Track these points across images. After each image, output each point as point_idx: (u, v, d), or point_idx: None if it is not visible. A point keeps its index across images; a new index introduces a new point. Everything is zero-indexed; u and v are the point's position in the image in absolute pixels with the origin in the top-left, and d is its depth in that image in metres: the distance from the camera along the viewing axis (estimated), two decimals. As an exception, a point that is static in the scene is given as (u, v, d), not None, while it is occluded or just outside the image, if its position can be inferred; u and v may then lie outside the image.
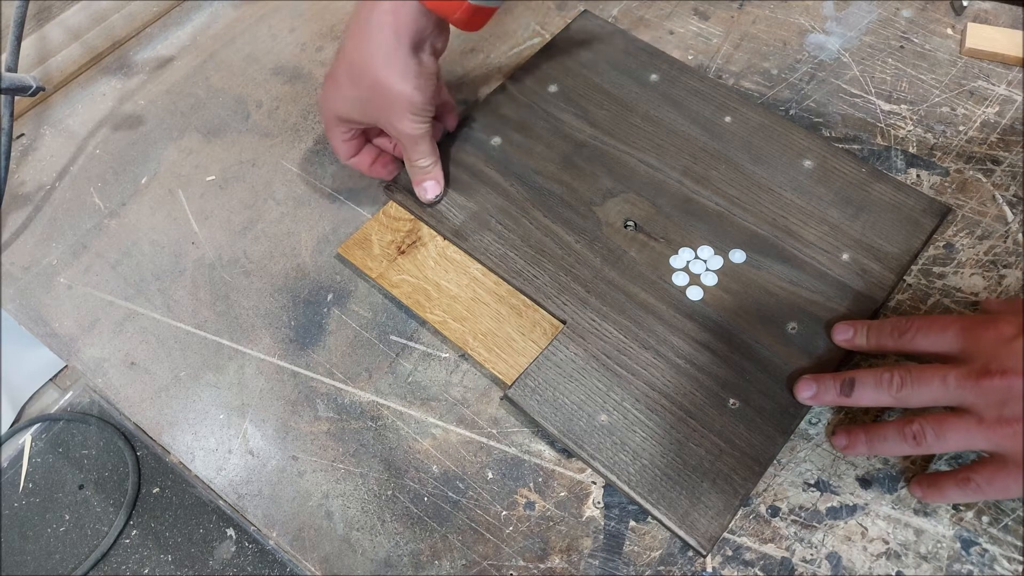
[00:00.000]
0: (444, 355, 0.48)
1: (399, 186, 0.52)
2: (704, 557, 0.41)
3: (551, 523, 0.43)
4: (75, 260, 0.54)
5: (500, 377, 0.46)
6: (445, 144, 0.54)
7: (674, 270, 0.48)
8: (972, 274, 0.48)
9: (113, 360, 0.50)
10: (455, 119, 0.54)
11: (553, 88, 0.56)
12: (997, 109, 0.54)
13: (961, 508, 0.41)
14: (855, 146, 0.54)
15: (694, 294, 0.47)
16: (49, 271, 0.53)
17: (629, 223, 0.50)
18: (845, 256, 0.48)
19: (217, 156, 0.57)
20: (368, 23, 0.45)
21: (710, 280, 0.48)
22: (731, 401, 0.44)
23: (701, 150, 0.52)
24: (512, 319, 0.48)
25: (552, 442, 0.45)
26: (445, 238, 0.51)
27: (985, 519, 0.41)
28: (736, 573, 0.41)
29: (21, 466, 1.11)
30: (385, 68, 0.45)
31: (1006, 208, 0.50)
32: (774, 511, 0.42)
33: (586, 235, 0.50)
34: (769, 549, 0.41)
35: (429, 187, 0.51)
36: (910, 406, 0.42)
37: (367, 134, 0.52)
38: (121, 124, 0.60)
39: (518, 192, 0.52)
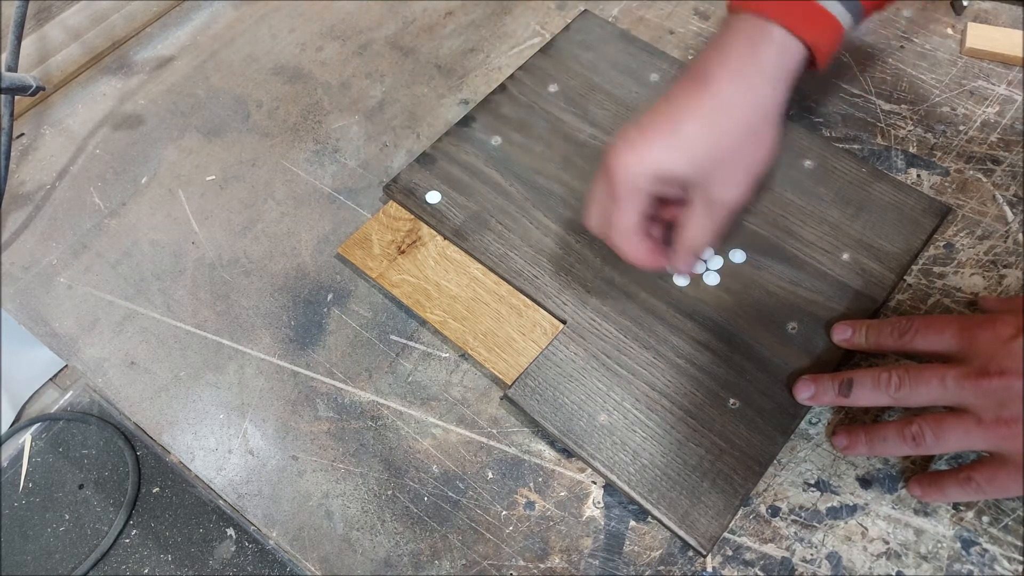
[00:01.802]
0: (444, 355, 0.48)
1: (399, 186, 0.52)
2: (704, 557, 0.41)
3: (551, 523, 0.43)
4: (75, 260, 0.54)
5: (500, 377, 0.46)
6: (446, 144, 0.54)
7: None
8: (972, 274, 0.48)
9: (113, 360, 0.50)
10: None
11: (553, 88, 0.56)
12: (997, 109, 0.54)
13: (961, 508, 0.41)
14: (855, 146, 0.54)
15: (694, 293, 0.47)
16: (49, 271, 0.53)
17: (629, 223, 0.50)
18: (845, 256, 0.48)
19: (217, 156, 0.57)
20: (752, 64, 0.39)
21: (710, 280, 0.48)
22: (731, 401, 0.44)
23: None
24: (512, 319, 0.48)
25: (552, 442, 0.45)
26: (445, 238, 0.51)
27: (985, 519, 0.41)
28: (736, 573, 0.41)
29: (21, 466, 1.11)
30: (765, 123, 0.40)
31: (1006, 208, 0.50)
32: (774, 511, 0.42)
33: (586, 235, 0.50)
34: (769, 549, 0.41)
35: (695, 264, 0.46)
36: (909, 406, 0.42)
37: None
38: (121, 124, 0.60)
39: (518, 192, 0.52)
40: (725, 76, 0.40)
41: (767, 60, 0.40)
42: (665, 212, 0.44)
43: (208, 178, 0.56)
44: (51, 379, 1.18)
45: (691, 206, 0.42)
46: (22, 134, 0.60)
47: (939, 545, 0.41)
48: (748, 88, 0.40)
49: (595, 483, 0.44)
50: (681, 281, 0.48)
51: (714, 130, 0.40)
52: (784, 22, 0.40)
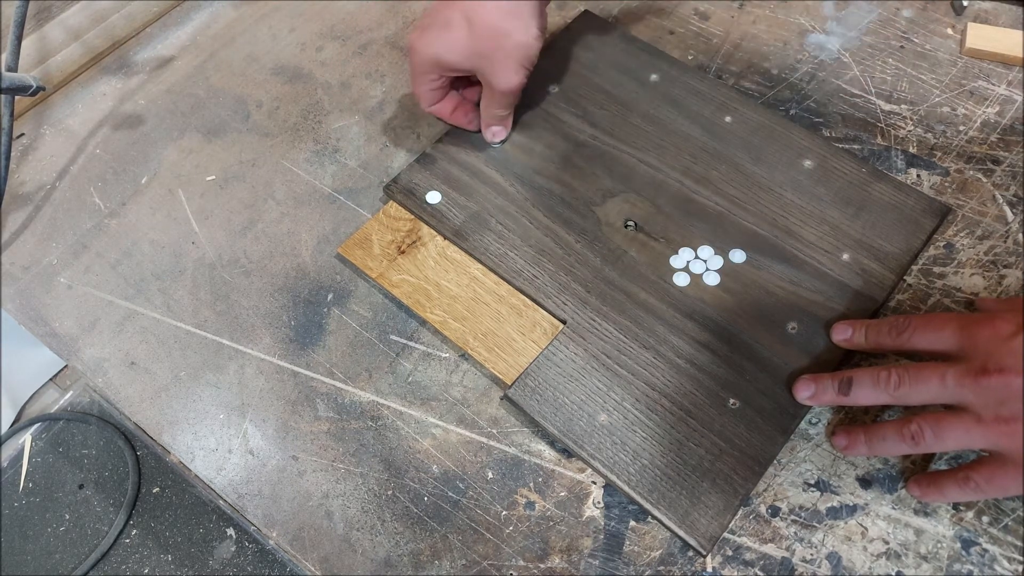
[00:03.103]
0: (444, 355, 0.48)
1: (399, 186, 0.52)
2: (704, 557, 0.41)
3: (551, 523, 0.43)
4: (75, 260, 0.54)
5: (500, 377, 0.46)
6: (446, 144, 0.54)
7: (674, 270, 0.48)
8: (972, 274, 0.48)
9: (113, 360, 0.50)
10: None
11: (553, 88, 0.56)
12: (997, 109, 0.54)
13: (961, 508, 0.41)
14: (855, 146, 0.54)
15: (694, 293, 0.47)
16: (49, 271, 0.53)
17: (629, 223, 0.50)
18: (845, 256, 0.48)
19: (217, 156, 0.57)
20: None
21: (710, 280, 0.48)
22: (731, 401, 0.44)
23: (701, 150, 0.52)
24: (512, 319, 0.48)
25: (552, 442, 0.45)
26: (445, 238, 0.51)
27: (985, 519, 0.41)
28: (736, 573, 0.41)
29: (21, 466, 1.11)
30: (511, 17, 0.46)
31: (1006, 208, 0.50)
32: (774, 511, 0.42)
33: (586, 235, 0.50)
34: (769, 549, 0.41)
35: (498, 132, 0.53)
36: (908, 404, 0.42)
37: (452, 83, 0.52)
38: (121, 124, 0.60)
39: (518, 192, 0.52)
40: None
41: None
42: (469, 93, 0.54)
43: (208, 178, 0.56)
44: (51, 379, 1.18)
45: (483, 91, 0.51)
46: (22, 134, 0.60)
47: (939, 545, 0.41)
48: None
49: (595, 483, 0.44)
50: (681, 281, 0.48)
51: (473, 25, 0.47)
52: None
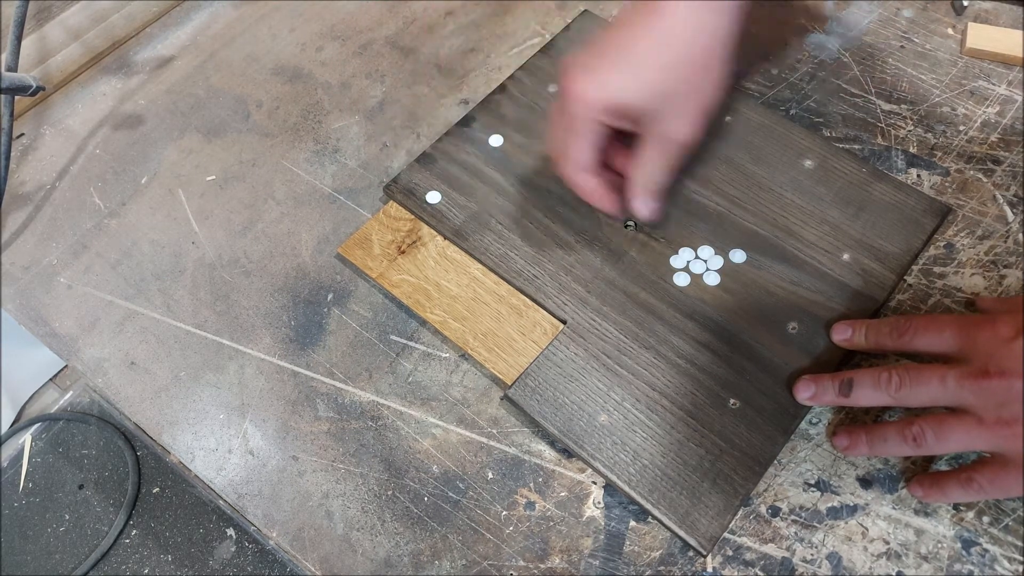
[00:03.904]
0: (444, 355, 0.48)
1: (399, 186, 0.52)
2: (704, 557, 0.41)
3: (551, 523, 0.43)
4: (75, 260, 0.54)
5: (500, 377, 0.46)
6: (446, 144, 0.54)
7: (674, 270, 0.48)
8: (972, 274, 0.48)
9: (113, 360, 0.50)
10: None
11: (553, 88, 0.56)
12: (998, 109, 0.54)
13: (962, 508, 0.41)
14: (855, 146, 0.54)
15: (694, 293, 0.47)
16: (49, 271, 0.53)
17: (629, 223, 0.50)
18: (845, 256, 0.48)
19: (217, 156, 0.57)
20: (703, 8, 0.39)
21: (710, 280, 0.48)
22: (731, 401, 0.44)
23: (701, 150, 0.52)
24: (512, 319, 0.48)
25: (552, 442, 0.45)
26: (445, 238, 0.51)
27: (986, 519, 0.41)
28: (736, 573, 0.41)
29: (21, 466, 1.11)
30: (712, 51, 0.40)
31: (1006, 208, 0.50)
32: (774, 511, 0.42)
33: (586, 235, 0.50)
34: (769, 549, 0.41)
35: (655, 209, 0.46)
36: (909, 406, 0.42)
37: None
38: (121, 124, 0.60)
39: (518, 192, 0.52)
40: (676, 4, 0.40)
41: None
42: (617, 161, 0.45)
43: (208, 178, 0.56)
44: (51, 379, 1.18)
45: (644, 144, 0.42)
46: (22, 134, 0.60)
47: (939, 545, 0.41)
48: (701, 17, 0.40)
49: (595, 483, 0.44)
50: (681, 281, 0.48)
51: (666, 59, 0.39)
52: None
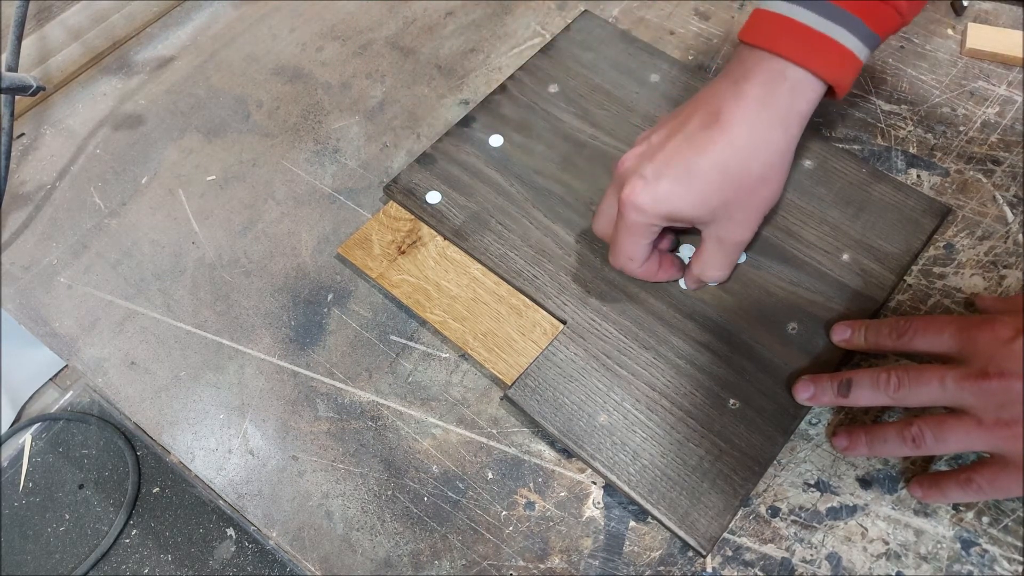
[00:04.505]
0: (444, 355, 0.48)
1: (399, 186, 0.52)
2: (704, 557, 0.41)
3: (551, 523, 0.43)
4: (75, 260, 0.54)
5: (500, 377, 0.46)
6: (446, 144, 0.54)
7: (674, 270, 0.48)
8: (972, 274, 0.48)
9: (113, 360, 0.50)
10: None
11: (553, 88, 0.56)
12: (997, 109, 0.54)
13: (961, 508, 0.41)
14: (855, 146, 0.54)
15: (694, 294, 0.47)
16: (49, 271, 0.53)
17: (629, 223, 0.50)
18: (845, 256, 0.48)
19: (217, 156, 0.57)
20: (768, 107, 0.39)
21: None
22: (731, 401, 0.44)
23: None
24: (512, 319, 0.48)
25: (552, 442, 0.45)
26: (445, 238, 0.51)
27: (985, 519, 0.41)
28: (736, 573, 0.41)
29: (21, 466, 1.11)
30: (774, 166, 0.40)
31: (1006, 208, 0.50)
32: (774, 511, 0.42)
33: (586, 235, 0.50)
34: (769, 549, 0.41)
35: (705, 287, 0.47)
36: (908, 406, 0.42)
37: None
38: (121, 124, 0.60)
39: (518, 192, 0.52)
40: (740, 118, 0.40)
41: (783, 102, 0.40)
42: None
43: (208, 178, 0.56)
44: (51, 379, 1.18)
45: (703, 242, 0.44)
46: (22, 134, 0.60)
47: (939, 546, 0.41)
48: (763, 132, 0.40)
49: (595, 483, 0.44)
50: (681, 281, 0.48)
51: (727, 176, 0.40)
52: (801, 61, 0.40)
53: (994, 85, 0.55)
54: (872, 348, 0.43)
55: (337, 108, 0.59)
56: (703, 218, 0.42)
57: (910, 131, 0.54)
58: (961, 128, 0.54)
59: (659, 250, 0.46)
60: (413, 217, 0.52)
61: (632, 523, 0.43)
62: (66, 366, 1.18)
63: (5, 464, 1.11)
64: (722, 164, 0.40)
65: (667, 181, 0.40)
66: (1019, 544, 0.40)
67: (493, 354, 0.46)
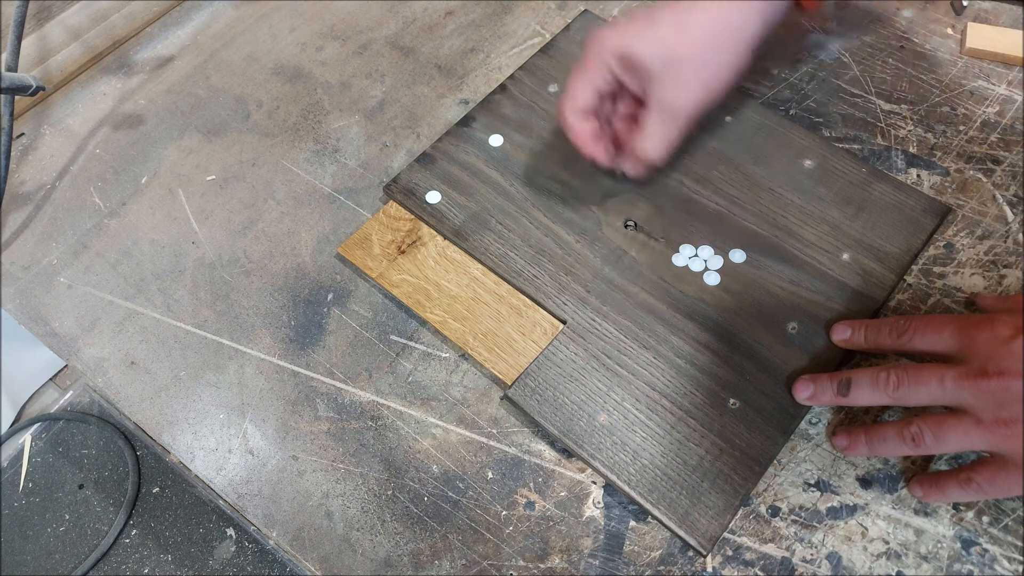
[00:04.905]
0: (444, 355, 0.48)
1: (399, 186, 0.52)
2: (704, 557, 0.41)
3: (551, 523, 0.43)
4: (75, 260, 0.54)
5: (500, 377, 0.46)
6: (446, 144, 0.54)
7: (674, 270, 0.48)
8: (972, 274, 0.48)
9: (113, 360, 0.50)
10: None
11: (553, 88, 0.56)
12: (997, 109, 0.54)
13: (961, 508, 0.41)
14: (855, 146, 0.54)
15: (694, 293, 0.47)
16: (49, 271, 0.53)
17: (629, 223, 0.50)
18: (845, 256, 0.48)
19: (217, 156, 0.57)
20: (733, 7, 0.43)
21: (710, 280, 0.48)
22: (731, 401, 0.44)
23: (701, 150, 0.52)
24: (512, 319, 0.48)
25: (552, 442, 0.45)
26: (445, 238, 0.51)
27: (985, 519, 0.41)
28: (736, 573, 0.41)
29: (21, 466, 1.11)
30: (729, 36, 0.44)
31: (1006, 208, 0.50)
32: (774, 511, 0.42)
33: (586, 235, 0.50)
34: (769, 549, 0.41)
35: (641, 173, 0.49)
36: (907, 406, 0.42)
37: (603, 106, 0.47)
38: (121, 124, 0.60)
39: (518, 192, 0.52)
40: (708, 4, 0.44)
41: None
42: (618, 123, 0.49)
43: (208, 178, 0.56)
44: (51, 379, 1.18)
45: (647, 112, 0.45)
46: (22, 134, 0.60)
47: (939, 545, 0.41)
48: (728, 13, 0.44)
49: (595, 483, 0.44)
50: (681, 281, 0.48)
51: (683, 29, 0.43)
52: None
53: (994, 84, 0.55)
54: (872, 348, 0.43)
55: (337, 108, 0.59)
56: (654, 67, 0.43)
57: (910, 131, 0.54)
58: (961, 127, 0.54)
59: (604, 126, 0.48)
60: (413, 217, 0.52)
61: (632, 523, 0.43)
62: (66, 366, 1.18)
63: (5, 464, 1.11)
64: (684, 22, 0.43)
65: (632, 25, 0.44)
66: (1019, 544, 0.40)
67: (493, 354, 0.46)
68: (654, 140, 0.46)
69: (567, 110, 0.46)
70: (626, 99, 0.48)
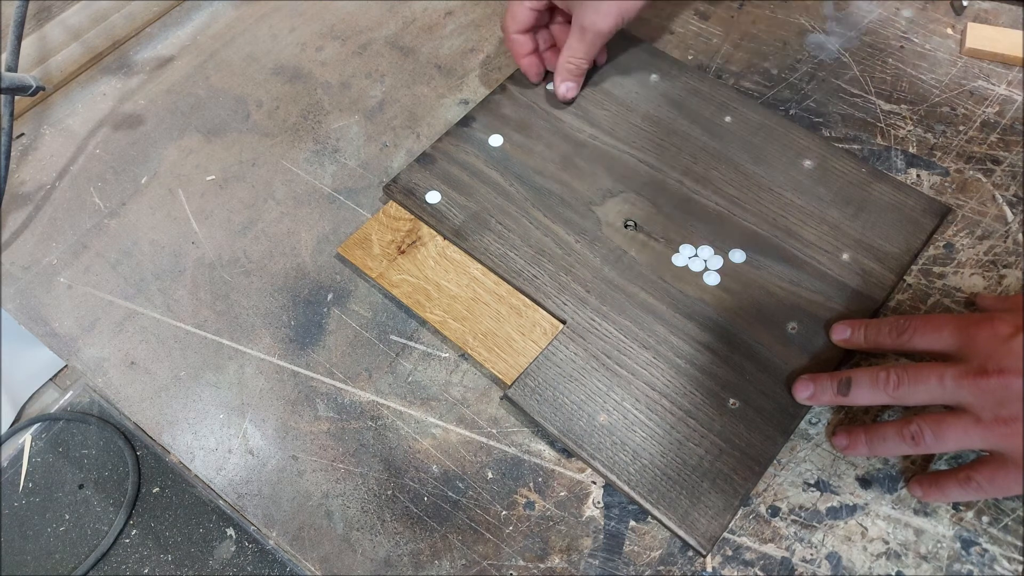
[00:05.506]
0: (444, 355, 0.48)
1: (399, 186, 0.52)
2: (704, 557, 0.41)
3: (551, 523, 0.43)
4: (75, 260, 0.54)
5: (500, 377, 0.46)
6: (446, 144, 0.54)
7: (674, 270, 0.48)
8: (972, 274, 0.48)
9: (113, 360, 0.50)
10: (605, 55, 0.57)
11: (552, 87, 0.56)
12: (997, 109, 0.54)
13: (961, 508, 0.41)
14: (855, 146, 0.54)
15: (694, 293, 0.47)
16: (49, 271, 0.53)
17: (629, 223, 0.50)
18: (845, 256, 0.48)
19: (217, 156, 0.57)
20: None
21: (710, 280, 0.48)
22: (731, 401, 0.44)
23: (701, 150, 0.52)
24: (512, 319, 0.48)
25: (552, 442, 0.45)
26: (445, 238, 0.51)
27: (985, 519, 0.41)
28: (736, 573, 0.41)
29: (21, 466, 1.11)
30: None
31: (1006, 208, 0.50)
32: (774, 511, 0.42)
33: (586, 235, 0.50)
34: (769, 549, 0.41)
35: (571, 88, 0.54)
36: (907, 405, 0.42)
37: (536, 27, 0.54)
38: (121, 124, 0.60)
39: (518, 192, 0.52)
40: None
41: None
42: (550, 54, 0.56)
43: (208, 178, 0.56)
44: (51, 379, 1.18)
45: (570, 34, 0.52)
46: (22, 134, 0.60)
47: (939, 545, 0.41)
48: None
49: (595, 483, 0.44)
50: (681, 281, 0.48)
51: None
52: None
53: (994, 84, 0.55)
54: (872, 347, 0.43)
55: (337, 108, 0.59)
56: None
57: (910, 131, 0.54)
58: (961, 127, 0.54)
59: (539, 48, 0.55)
60: (413, 217, 0.52)
61: (632, 523, 0.43)
62: (66, 366, 1.18)
63: (5, 464, 1.11)
64: None
65: None
66: (1019, 543, 0.40)
67: (493, 354, 0.46)
68: (576, 55, 0.53)
69: (508, 26, 0.54)
70: (559, 21, 0.56)
